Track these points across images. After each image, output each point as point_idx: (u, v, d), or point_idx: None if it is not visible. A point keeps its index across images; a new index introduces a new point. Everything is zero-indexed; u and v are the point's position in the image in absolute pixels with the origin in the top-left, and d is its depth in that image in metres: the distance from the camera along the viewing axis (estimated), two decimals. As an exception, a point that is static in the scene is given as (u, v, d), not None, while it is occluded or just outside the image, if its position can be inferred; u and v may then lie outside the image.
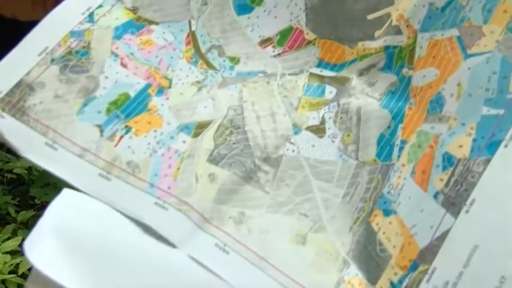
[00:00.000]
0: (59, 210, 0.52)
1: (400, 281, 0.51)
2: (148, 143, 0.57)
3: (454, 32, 0.58)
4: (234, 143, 0.58)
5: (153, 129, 0.58)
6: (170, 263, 0.53)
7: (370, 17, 0.62)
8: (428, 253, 0.50)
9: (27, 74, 0.58)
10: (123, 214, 0.54)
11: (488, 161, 0.50)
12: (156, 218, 0.54)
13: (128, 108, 0.59)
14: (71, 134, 0.57)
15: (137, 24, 0.63)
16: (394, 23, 0.61)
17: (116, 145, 0.57)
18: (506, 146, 0.50)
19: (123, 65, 0.61)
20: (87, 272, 0.50)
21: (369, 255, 0.54)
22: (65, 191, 0.53)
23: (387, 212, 0.55)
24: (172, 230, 0.54)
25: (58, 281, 0.48)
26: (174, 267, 0.53)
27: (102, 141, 0.57)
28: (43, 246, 0.49)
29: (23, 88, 0.58)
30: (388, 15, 0.62)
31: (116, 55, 0.61)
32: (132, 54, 0.62)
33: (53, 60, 0.59)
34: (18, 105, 0.57)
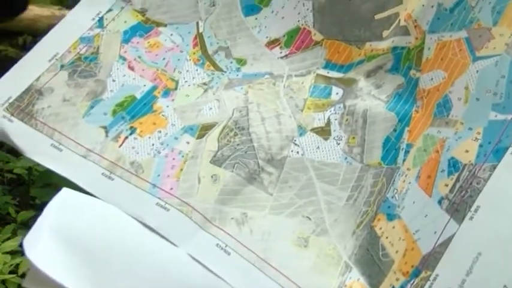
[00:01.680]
0: (57, 209, 0.53)
1: (402, 287, 0.50)
2: (152, 144, 0.58)
3: (463, 33, 0.57)
4: (238, 145, 0.58)
5: (157, 130, 0.58)
6: (170, 263, 0.53)
7: (377, 16, 0.61)
8: (431, 259, 0.49)
9: (37, 79, 0.60)
10: (122, 214, 0.54)
11: (494, 168, 0.50)
12: (157, 219, 0.54)
13: (134, 109, 0.59)
14: (76, 135, 0.57)
15: (145, 26, 0.64)
16: (402, 23, 0.60)
17: (120, 146, 0.57)
18: None
19: (131, 68, 0.61)
20: (86, 271, 0.50)
21: (372, 260, 0.53)
22: (64, 190, 0.54)
23: (391, 217, 0.54)
24: (173, 231, 0.54)
25: (56, 280, 0.48)
26: (174, 268, 0.53)
27: (106, 142, 0.57)
28: (42, 244, 0.50)
29: (32, 93, 0.59)
30: (396, 15, 0.61)
31: (124, 59, 0.62)
32: (139, 57, 0.62)
33: (62, 66, 0.60)
34: (26, 109, 0.58)
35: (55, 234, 0.51)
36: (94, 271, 0.50)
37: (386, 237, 0.53)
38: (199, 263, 0.53)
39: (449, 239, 0.49)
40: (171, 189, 0.56)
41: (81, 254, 0.51)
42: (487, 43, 0.55)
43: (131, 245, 0.53)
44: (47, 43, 0.61)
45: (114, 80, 0.60)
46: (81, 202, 0.54)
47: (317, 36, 0.64)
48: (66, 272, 0.49)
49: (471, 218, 0.49)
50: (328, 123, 0.59)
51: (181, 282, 0.52)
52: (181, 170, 0.57)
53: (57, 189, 0.54)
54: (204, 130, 0.59)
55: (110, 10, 0.64)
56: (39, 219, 0.51)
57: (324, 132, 0.59)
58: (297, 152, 0.58)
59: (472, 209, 0.49)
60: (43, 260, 0.49)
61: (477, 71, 0.54)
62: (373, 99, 0.59)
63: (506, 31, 0.54)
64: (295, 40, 0.64)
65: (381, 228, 0.54)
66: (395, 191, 0.55)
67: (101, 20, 0.63)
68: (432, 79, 0.58)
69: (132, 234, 0.54)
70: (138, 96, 0.60)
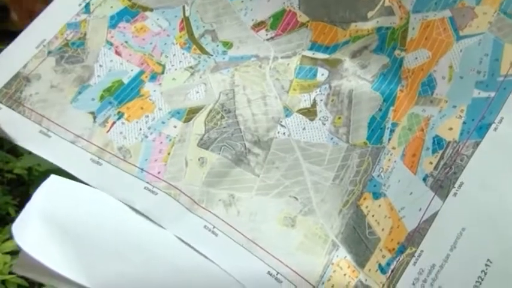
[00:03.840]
0: (45, 195, 0.53)
1: (388, 264, 0.51)
2: (140, 129, 0.58)
3: (447, 13, 0.57)
4: (224, 127, 0.58)
5: (145, 115, 0.59)
6: (158, 246, 0.53)
7: (362, -3, 0.62)
8: (416, 236, 0.50)
9: (24, 66, 0.60)
10: (110, 198, 0.55)
11: (477, 144, 0.50)
12: (146, 202, 0.55)
13: (121, 94, 0.59)
14: (65, 121, 0.58)
15: (132, 11, 0.64)
16: (387, 3, 0.61)
17: (108, 131, 0.58)
18: (495, 129, 0.50)
19: (118, 53, 0.62)
20: (75, 255, 0.50)
21: (358, 238, 0.54)
22: (52, 177, 0.54)
23: (377, 195, 0.55)
24: (161, 214, 0.54)
25: (45, 264, 0.49)
26: (162, 250, 0.53)
27: (95, 128, 0.58)
28: (31, 230, 0.50)
29: (20, 80, 0.59)
30: (381, -5, 0.61)
31: (111, 44, 0.62)
32: (126, 42, 0.62)
33: (49, 52, 0.61)
34: (14, 96, 0.58)
35: (43, 219, 0.51)
36: (83, 255, 0.51)
37: (373, 216, 0.54)
38: (188, 244, 0.54)
39: (434, 215, 0.50)
40: (159, 173, 0.56)
41: (70, 239, 0.51)
42: (470, 22, 0.55)
43: (119, 229, 0.54)
44: (33, 30, 0.61)
45: (101, 66, 0.61)
46: (69, 188, 0.55)
47: (302, 18, 0.64)
48: (55, 257, 0.50)
49: (455, 194, 0.50)
50: (314, 104, 0.60)
51: (169, 264, 0.53)
52: (169, 154, 0.57)
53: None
54: (191, 114, 0.59)
55: None
56: (27, 205, 0.52)
57: (310, 113, 0.59)
58: (284, 133, 0.58)
59: (456, 185, 0.50)
60: (32, 245, 0.49)
61: (461, 50, 0.55)
62: (359, 79, 0.60)
63: (489, 9, 0.54)
64: (280, 22, 0.64)
65: (367, 207, 0.55)
66: (381, 169, 0.56)
67: (87, 5, 0.63)
68: (417, 58, 0.58)
69: (119, 218, 0.54)
70: (126, 81, 0.60)
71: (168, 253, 0.53)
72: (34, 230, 0.50)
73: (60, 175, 0.55)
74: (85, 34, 0.62)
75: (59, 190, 0.54)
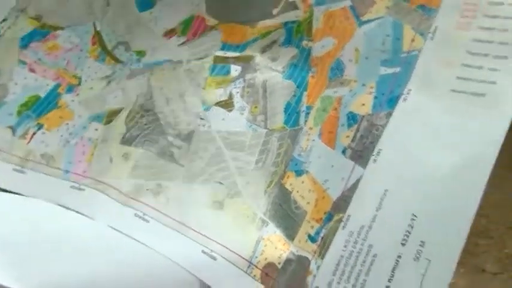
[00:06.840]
0: None
1: (317, 233, 0.52)
2: (61, 135, 0.58)
3: (347, 2, 0.60)
4: (145, 124, 0.59)
5: (65, 123, 0.59)
6: (92, 241, 0.53)
7: (266, -4, 0.64)
8: (342, 203, 0.52)
9: None
10: (39, 204, 0.54)
11: (389, 114, 0.53)
12: (74, 200, 0.55)
13: (39, 108, 0.60)
14: None
15: (42, 31, 0.65)
16: None
17: (28, 142, 0.57)
18: (405, 100, 0.53)
19: (32, 70, 0.62)
20: (9, 262, 0.49)
21: (285, 214, 0.55)
22: None
23: (299, 173, 0.56)
24: (91, 208, 0.54)
25: None
26: (96, 245, 0.53)
27: (14, 140, 0.57)
28: None
29: None
30: (284, -8, 0.64)
31: (24, 63, 0.62)
32: (39, 59, 0.63)
33: None
34: None
35: None
36: (17, 261, 0.50)
37: (297, 192, 0.55)
38: (121, 233, 0.54)
39: (357, 182, 0.52)
40: (84, 172, 0.56)
41: (2, 247, 0.50)
42: (370, 8, 0.59)
43: (51, 231, 0.53)
44: None
45: (16, 83, 0.61)
46: None
47: (211, 22, 0.66)
48: None
49: (374, 160, 0.52)
50: (231, 96, 0.61)
51: (105, 257, 0.52)
52: (92, 154, 0.57)
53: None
54: (110, 116, 0.60)
55: (4, 20, 0.65)
56: None
57: (227, 105, 0.61)
58: (204, 125, 0.59)
59: (375, 152, 0.52)
60: None
61: (364, 33, 0.58)
62: (271, 71, 0.62)
63: None
64: (190, 28, 0.66)
65: (291, 185, 0.56)
66: (300, 149, 0.57)
67: None
68: (323, 46, 0.61)
69: (50, 221, 0.54)
70: (42, 95, 0.61)
71: (102, 246, 0.53)
72: None
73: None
74: None
75: None
